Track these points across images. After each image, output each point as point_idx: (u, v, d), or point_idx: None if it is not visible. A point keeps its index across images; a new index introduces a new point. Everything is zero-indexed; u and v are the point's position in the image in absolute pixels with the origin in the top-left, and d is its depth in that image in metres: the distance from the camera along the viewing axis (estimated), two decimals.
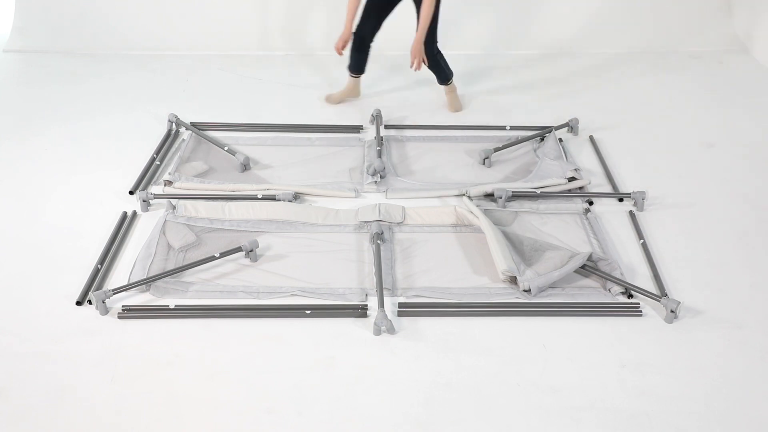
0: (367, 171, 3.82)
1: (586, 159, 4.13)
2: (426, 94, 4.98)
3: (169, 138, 4.24)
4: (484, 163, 4.03)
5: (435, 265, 3.22)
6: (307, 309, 2.92)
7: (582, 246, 3.34)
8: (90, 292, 2.98)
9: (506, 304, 2.99)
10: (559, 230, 3.46)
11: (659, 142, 4.36)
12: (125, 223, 3.45)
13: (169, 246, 3.30)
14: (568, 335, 2.85)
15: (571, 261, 3.08)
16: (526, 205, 3.65)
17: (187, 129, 4.26)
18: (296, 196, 3.65)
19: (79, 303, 2.94)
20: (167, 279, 3.07)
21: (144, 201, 3.54)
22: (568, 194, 3.72)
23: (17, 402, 2.52)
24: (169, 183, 3.75)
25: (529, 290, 3.00)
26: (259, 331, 2.84)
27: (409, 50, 4.30)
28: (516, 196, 3.66)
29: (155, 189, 3.77)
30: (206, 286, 3.06)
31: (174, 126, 4.33)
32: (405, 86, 5.12)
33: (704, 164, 4.11)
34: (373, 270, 3.13)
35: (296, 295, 3.02)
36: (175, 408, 2.51)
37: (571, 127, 4.39)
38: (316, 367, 2.68)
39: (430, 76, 5.29)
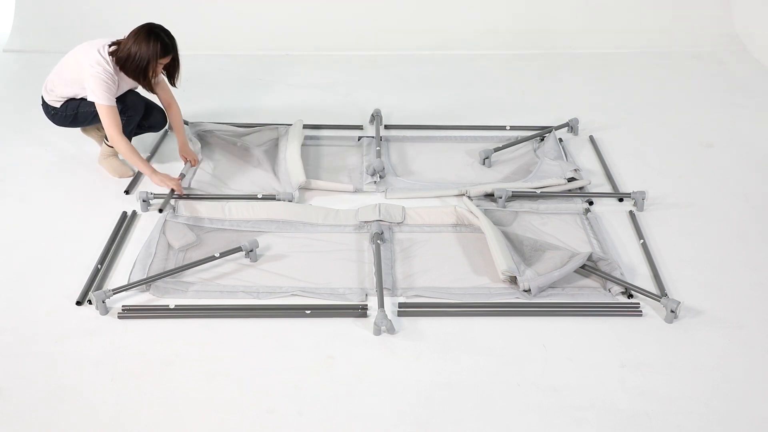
0: (367, 171, 3.82)
1: (586, 159, 4.13)
2: (426, 94, 4.98)
3: (165, 137, 4.25)
4: (484, 163, 4.03)
5: (435, 265, 3.22)
6: (307, 309, 2.92)
7: (582, 246, 3.34)
8: (90, 292, 2.98)
9: (506, 304, 2.99)
10: (559, 230, 3.46)
11: (659, 142, 4.37)
12: (125, 223, 3.45)
13: (169, 246, 3.30)
14: (568, 335, 2.84)
15: (571, 261, 3.08)
16: (526, 205, 3.65)
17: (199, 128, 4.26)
18: (298, 193, 3.66)
19: (79, 303, 2.94)
20: (167, 279, 3.06)
21: (144, 201, 3.54)
22: (568, 194, 3.72)
23: (17, 402, 2.52)
24: (182, 176, 3.77)
25: (529, 290, 3.00)
26: (259, 331, 2.84)
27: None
28: (516, 196, 3.66)
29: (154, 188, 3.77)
30: (206, 286, 3.06)
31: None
32: (405, 86, 5.12)
33: (704, 164, 4.11)
34: (373, 270, 3.13)
35: (296, 295, 3.02)
36: (175, 408, 2.51)
37: (571, 127, 4.39)
38: (316, 367, 2.68)
39: (431, 76, 5.31)
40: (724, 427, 2.47)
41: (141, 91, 3.80)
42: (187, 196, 3.65)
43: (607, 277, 3.07)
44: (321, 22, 5.78)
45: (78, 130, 4.03)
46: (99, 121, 3.67)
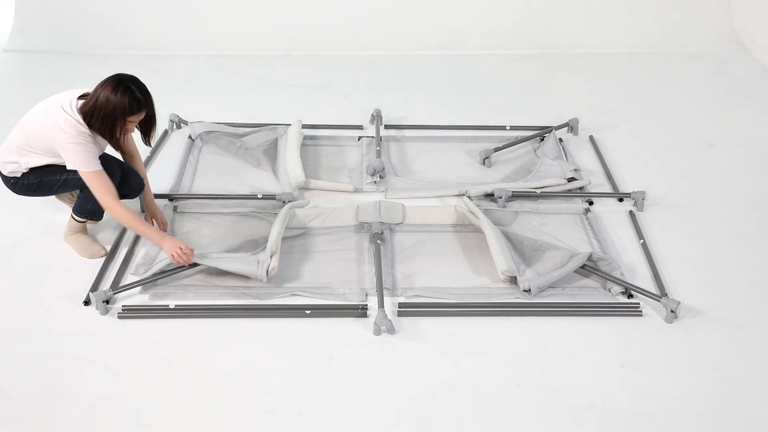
0: (367, 171, 3.82)
1: (586, 159, 4.13)
2: (426, 94, 4.98)
3: (165, 137, 4.25)
4: (484, 163, 4.03)
5: (435, 265, 3.21)
6: (307, 309, 2.92)
7: (582, 246, 3.34)
8: (90, 292, 2.98)
9: (506, 304, 2.99)
10: (559, 230, 3.46)
11: (659, 142, 4.37)
12: None
13: None
14: (568, 335, 2.85)
15: (571, 261, 3.08)
16: (526, 205, 3.65)
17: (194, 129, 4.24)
18: (297, 193, 3.66)
19: (86, 303, 2.94)
20: (167, 279, 3.06)
21: None
22: (568, 194, 3.72)
23: (17, 402, 2.52)
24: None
25: (529, 290, 3.00)
26: (259, 331, 2.84)
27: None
28: (516, 196, 3.66)
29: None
30: (206, 287, 3.06)
31: (175, 126, 4.34)
32: (405, 86, 5.12)
33: (704, 164, 4.11)
34: (373, 270, 3.13)
35: (296, 295, 3.02)
36: (175, 408, 2.51)
37: (571, 127, 4.39)
38: (316, 367, 2.68)
39: (431, 76, 5.30)
40: (724, 427, 2.47)
41: (113, 152, 3.28)
42: (188, 196, 3.65)
43: (607, 277, 3.07)
44: (321, 22, 5.78)
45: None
46: (69, 188, 3.11)
